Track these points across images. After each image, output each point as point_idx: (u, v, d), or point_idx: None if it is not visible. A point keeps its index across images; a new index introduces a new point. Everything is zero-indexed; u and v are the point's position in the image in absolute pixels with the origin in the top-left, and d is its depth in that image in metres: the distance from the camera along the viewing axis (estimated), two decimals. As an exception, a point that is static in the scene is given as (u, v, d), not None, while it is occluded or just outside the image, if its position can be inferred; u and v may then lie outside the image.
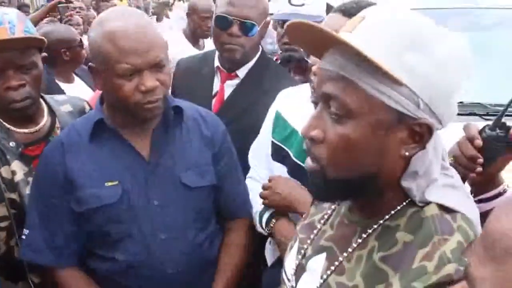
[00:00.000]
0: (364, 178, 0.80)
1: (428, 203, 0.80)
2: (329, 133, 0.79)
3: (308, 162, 0.83)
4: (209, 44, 3.76)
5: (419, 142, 0.78)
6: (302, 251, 0.95)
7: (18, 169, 1.54)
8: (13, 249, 1.56)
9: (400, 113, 0.75)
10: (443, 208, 0.79)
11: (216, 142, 1.54)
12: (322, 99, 0.80)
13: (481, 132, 1.16)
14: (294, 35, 0.85)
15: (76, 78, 2.92)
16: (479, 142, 1.14)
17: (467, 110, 2.17)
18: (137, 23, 1.31)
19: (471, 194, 1.23)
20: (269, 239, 1.71)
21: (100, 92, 1.46)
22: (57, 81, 2.77)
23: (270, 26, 2.42)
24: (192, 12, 3.71)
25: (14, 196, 1.54)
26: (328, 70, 0.79)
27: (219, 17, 1.88)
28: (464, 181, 1.20)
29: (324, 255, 0.90)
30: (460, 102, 2.20)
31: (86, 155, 1.40)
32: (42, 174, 1.45)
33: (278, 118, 1.65)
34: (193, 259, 1.46)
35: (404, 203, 0.81)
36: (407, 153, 0.78)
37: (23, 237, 1.44)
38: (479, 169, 1.14)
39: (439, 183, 0.81)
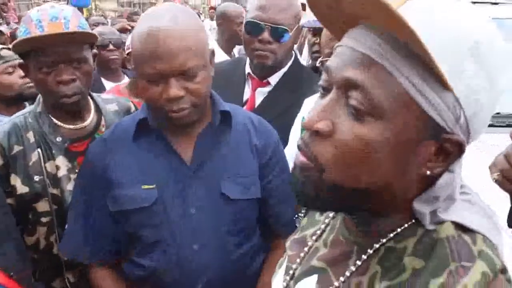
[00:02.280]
0: (368, 191, 0.65)
1: (441, 222, 0.66)
2: (340, 129, 0.62)
3: (300, 158, 0.66)
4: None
5: (443, 161, 0.63)
6: (291, 271, 0.81)
7: (62, 164, 1.58)
8: (52, 245, 1.60)
9: (436, 124, 0.61)
10: (461, 228, 0.65)
11: (266, 153, 1.44)
12: (340, 86, 0.63)
13: None
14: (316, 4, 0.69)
15: (126, 77, 3.07)
16: None
17: (505, 121, 2.07)
18: (172, 25, 1.23)
19: None
20: None
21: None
22: (103, 79, 2.93)
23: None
24: (224, 20, 3.64)
25: (57, 191, 1.57)
26: (355, 51, 0.62)
27: (250, 22, 1.85)
28: None
29: (315, 277, 0.76)
30: (497, 113, 2.09)
31: (128, 154, 1.37)
32: (83, 170, 1.44)
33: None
34: (228, 275, 1.37)
35: (413, 221, 0.67)
36: (428, 173, 0.63)
37: (65, 230, 1.45)
38: None
39: (458, 200, 0.68)
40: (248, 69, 1.98)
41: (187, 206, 1.35)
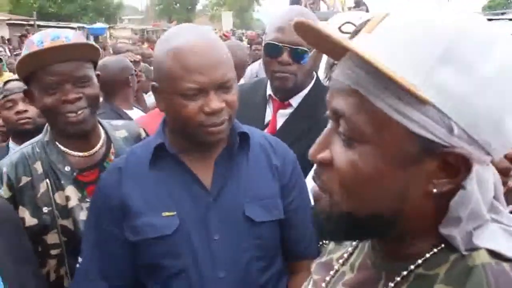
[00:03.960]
0: (381, 217, 0.64)
1: (475, 249, 0.62)
2: (337, 156, 0.65)
3: (315, 189, 0.69)
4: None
5: (453, 177, 0.61)
6: None
7: (72, 194, 1.53)
8: (63, 278, 1.53)
9: (427, 140, 0.59)
10: (497, 256, 0.61)
11: (286, 173, 1.41)
12: (332, 116, 0.67)
13: None
14: (305, 35, 0.70)
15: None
16: None
17: None
18: (204, 40, 1.24)
19: None
20: None
21: (155, 112, 1.41)
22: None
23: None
24: None
25: (66, 223, 1.51)
26: (339, 82, 0.65)
27: (269, 44, 1.82)
28: None
29: None
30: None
31: (145, 181, 1.32)
32: (98, 200, 1.38)
33: None
34: None
35: (443, 245, 0.64)
36: (435, 190, 0.61)
37: (78, 265, 1.38)
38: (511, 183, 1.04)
39: (491, 225, 0.64)
40: (269, 91, 1.94)
41: (210, 232, 1.30)
